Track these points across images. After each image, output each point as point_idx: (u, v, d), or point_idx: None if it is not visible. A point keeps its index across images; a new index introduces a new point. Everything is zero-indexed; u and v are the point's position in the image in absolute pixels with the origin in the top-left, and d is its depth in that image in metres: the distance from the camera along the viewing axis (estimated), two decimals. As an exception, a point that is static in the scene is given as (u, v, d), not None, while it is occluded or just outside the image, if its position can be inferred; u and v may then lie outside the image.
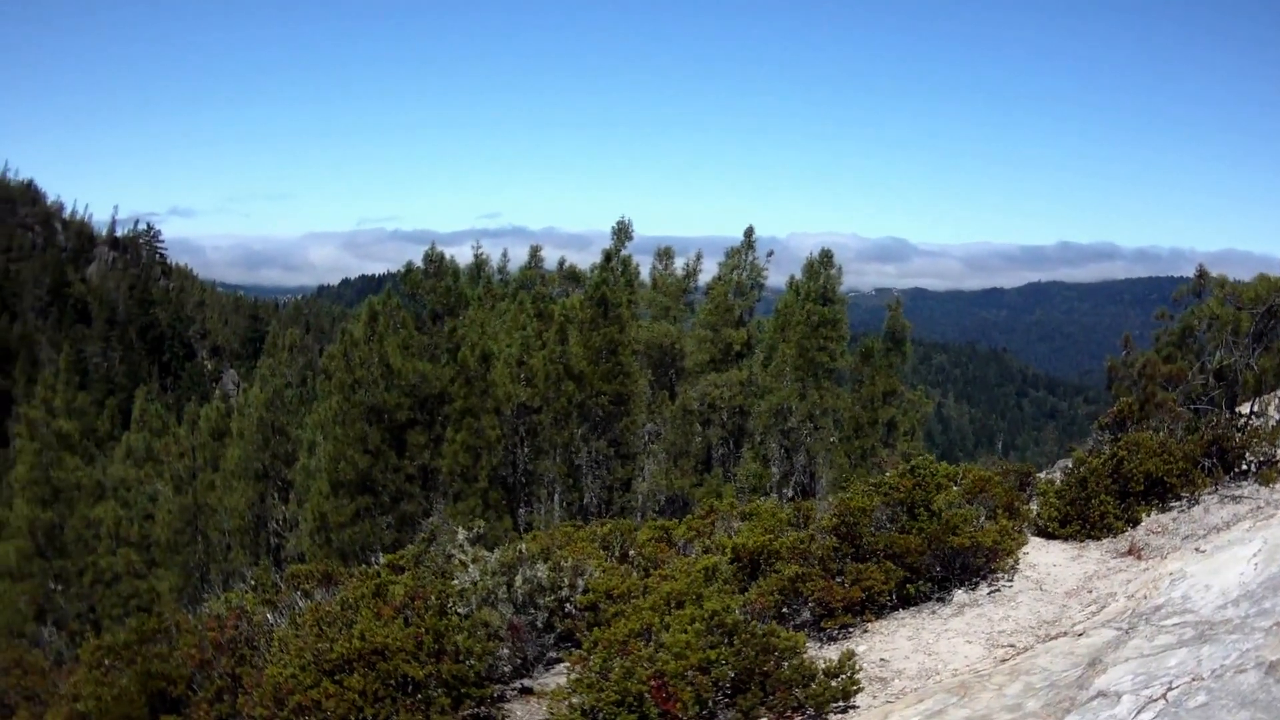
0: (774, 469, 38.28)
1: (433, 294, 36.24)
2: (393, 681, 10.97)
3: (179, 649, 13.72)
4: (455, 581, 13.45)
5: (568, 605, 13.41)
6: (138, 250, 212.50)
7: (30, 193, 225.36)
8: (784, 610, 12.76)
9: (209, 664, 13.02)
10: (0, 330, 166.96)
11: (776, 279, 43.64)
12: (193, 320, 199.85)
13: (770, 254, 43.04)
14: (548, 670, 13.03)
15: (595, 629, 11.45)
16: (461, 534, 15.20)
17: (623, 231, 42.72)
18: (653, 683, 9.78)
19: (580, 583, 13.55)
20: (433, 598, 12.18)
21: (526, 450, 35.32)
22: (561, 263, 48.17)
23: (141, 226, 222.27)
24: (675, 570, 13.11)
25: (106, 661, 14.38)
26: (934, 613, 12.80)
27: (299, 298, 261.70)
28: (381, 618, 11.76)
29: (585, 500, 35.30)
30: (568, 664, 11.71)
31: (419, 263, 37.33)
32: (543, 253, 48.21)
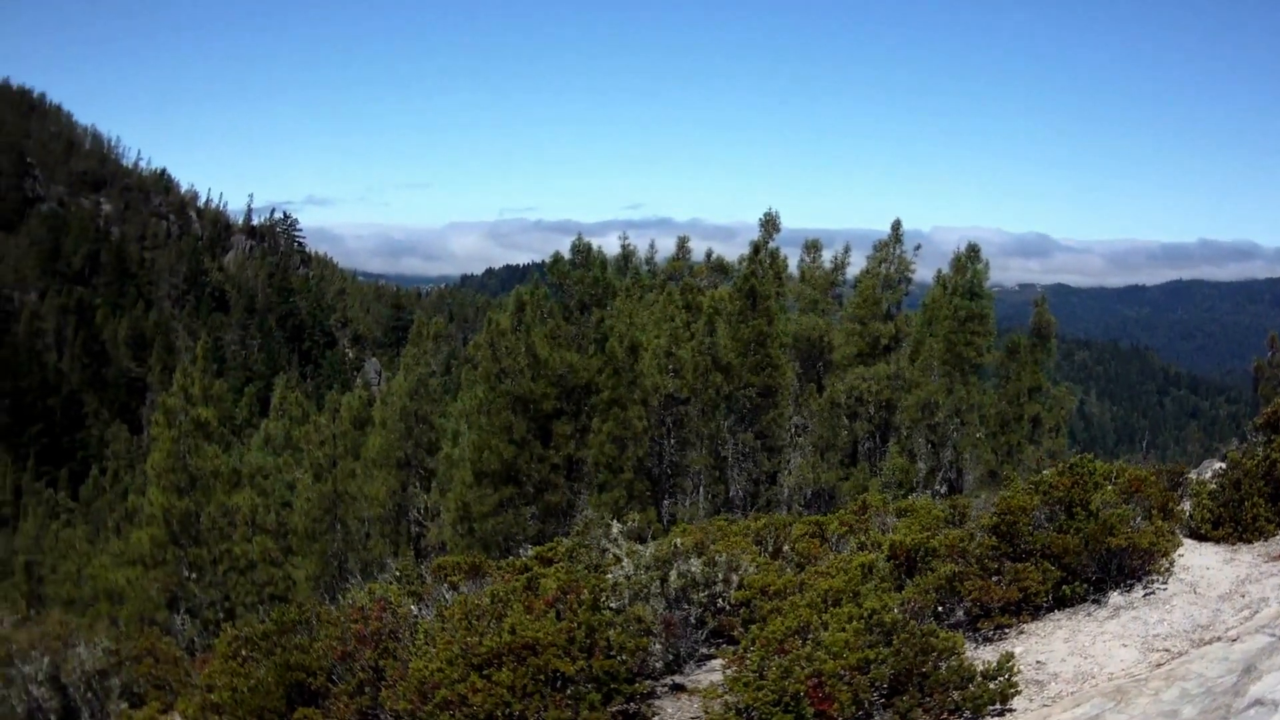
0: (920, 464, 38.12)
1: (580, 284, 36.36)
2: (542, 677, 10.93)
3: (320, 640, 13.74)
4: (609, 575, 13.38)
5: (721, 601, 13.34)
6: (275, 239, 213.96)
7: (163, 181, 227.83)
8: (940, 610, 12.64)
9: (351, 656, 13.03)
10: (135, 318, 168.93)
11: (923, 273, 43.50)
12: (333, 309, 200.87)
13: (918, 247, 42.85)
14: (699, 667, 12.96)
15: (752, 626, 11.36)
16: (615, 527, 15.37)
17: (770, 223, 42.82)
18: (810, 682, 9.67)
19: (734, 578, 13.43)
20: (586, 592, 12.13)
21: (673, 442, 35.41)
22: (709, 254, 48.23)
23: (278, 215, 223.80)
24: (831, 567, 12.97)
25: (244, 652, 14.42)
26: (1089, 614, 12.54)
27: (442, 287, 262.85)
28: (533, 612, 11.75)
29: (731, 493, 35.25)
30: (721, 661, 11.76)
31: (564, 253, 37.52)
32: (689, 244, 48.36)
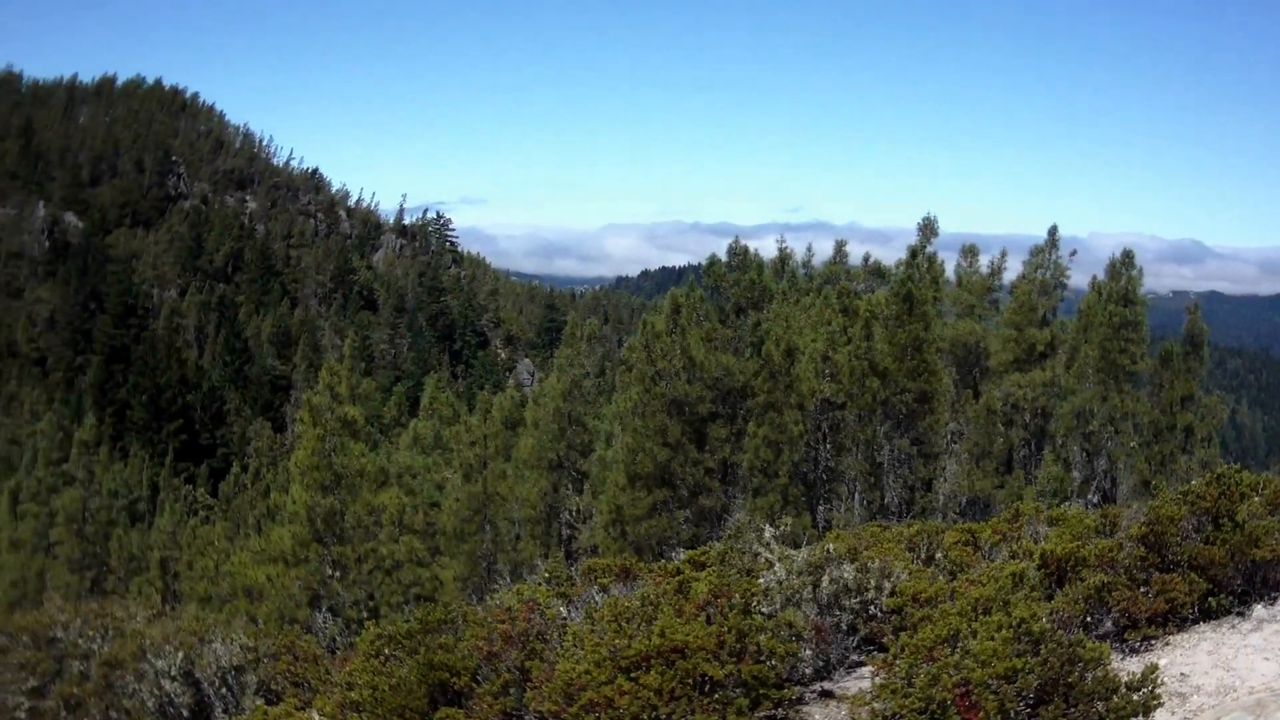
0: (1075, 473, 37.99)
1: (736, 287, 36.59)
2: (690, 680, 10.82)
3: (465, 640, 13.75)
4: (760, 580, 13.46)
5: (872, 608, 13.39)
6: (427, 238, 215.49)
7: (314, 180, 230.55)
8: (1088, 620, 12.62)
9: (496, 656, 13.03)
10: (280, 315, 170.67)
11: (1078, 279, 43.33)
12: (485, 309, 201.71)
13: (1073, 253, 42.86)
14: (849, 674, 12.98)
15: (902, 634, 11.21)
16: (769, 531, 15.28)
17: (928, 228, 43.02)
18: (957, 690, 9.64)
19: (887, 585, 13.51)
20: (738, 596, 12.07)
21: (828, 447, 35.40)
22: (866, 258, 48.42)
23: (431, 214, 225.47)
24: (983, 575, 13.04)
25: (386, 650, 14.40)
26: (1233, 627, 12.57)
27: (597, 288, 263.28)
28: (683, 615, 11.76)
29: (886, 499, 35.27)
30: (870, 668, 11.45)
31: (720, 255, 37.81)
32: (847, 248, 48.59)
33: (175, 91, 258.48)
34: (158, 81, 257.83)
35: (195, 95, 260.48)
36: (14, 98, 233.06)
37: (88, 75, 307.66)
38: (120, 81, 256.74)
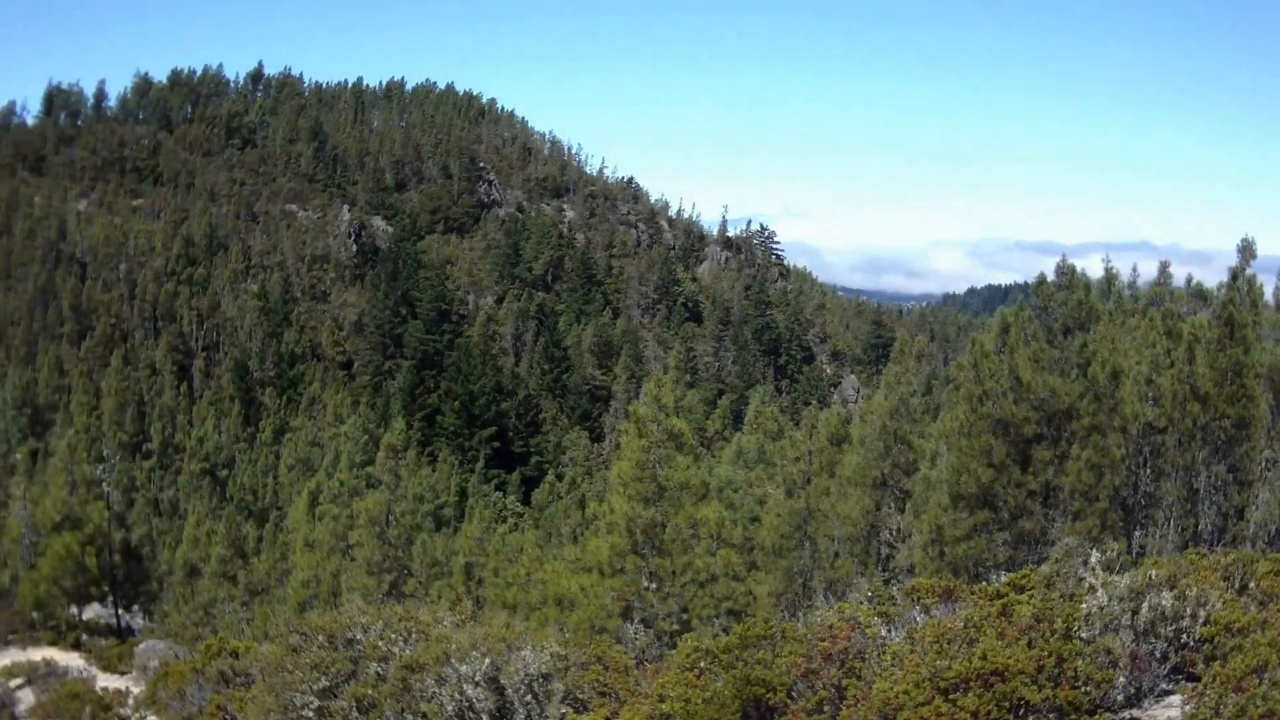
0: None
1: (1063, 307, 36.84)
2: (1007, 704, 11.50)
3: (783, 656, 14.21)
4: (1082, 605, 13.81)
5: (1185, 636, 13.61)
6: (752, 251, 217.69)
7: (631, 190, 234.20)
8: None
9: (814, 674, 13.52)
10: (601, 325, 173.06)
11: None
12: (812, 323, 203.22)
13: (1404, 274, 42.56)
14: (1158, 702, 13.21)
15: (1213, 663, 11.96)
16: (1094, 556, 15.91)
17: (1248, 250, 43.13)
18: None
19: (1201, 614, 13.64)
20: (1059, 621, 12.74)
21: (1148, 471, 35.45)
22: (1189, 280, 48.61)
23: (755, 227, 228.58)
24: None
25: (702, 664, 15.05)
26: None
27: (923, 305, 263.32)
28: (1004, 638, 12.39)
29: (1200, 527, 35.17)
30: (1180, 697, 12.36)
31: (1046, 273, 38.51)
32: (1170, 269, 48.82)
33: (471, 97, 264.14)
34: (450, 86, 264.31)
35: (493, 101, 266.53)
36: (298, 101, 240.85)
37: (336, 76, 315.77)
38: (410, 86, 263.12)
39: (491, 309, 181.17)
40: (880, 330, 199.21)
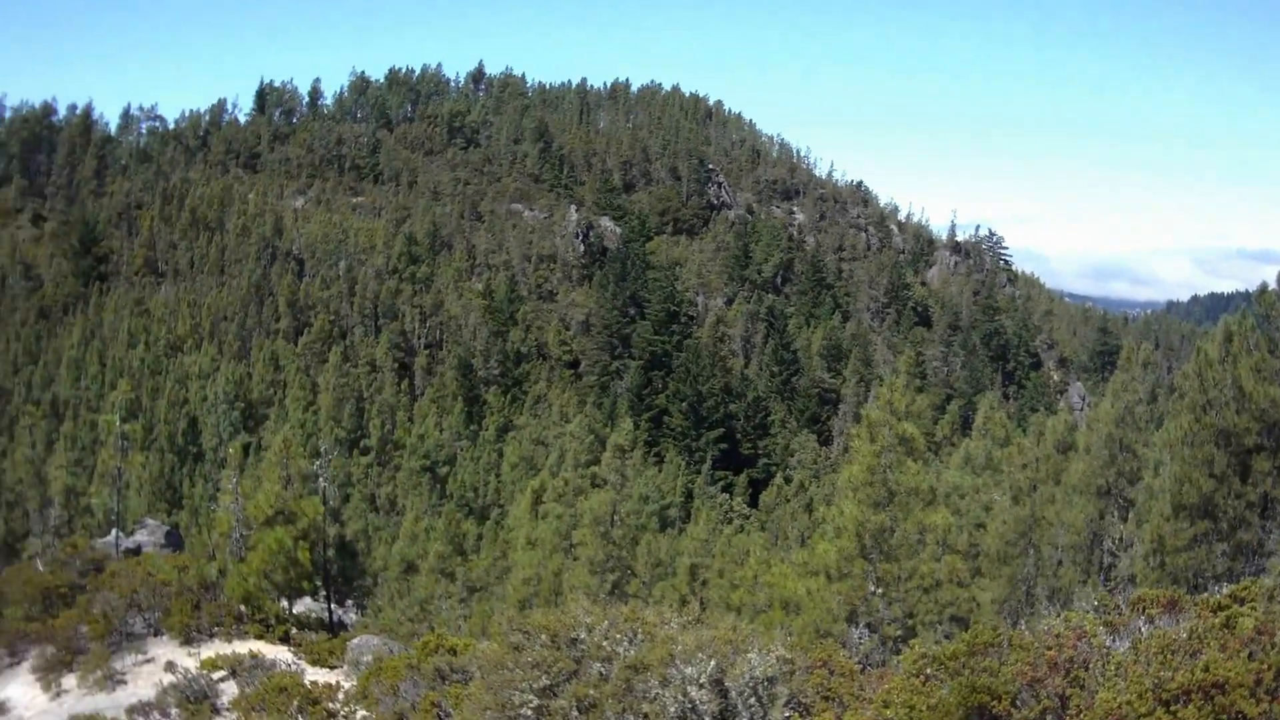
0: None
1: None
2: (1225, 716, 11.62)
3: (1009, 664, 14.42)
4: None
5: None
6: (980, 256, 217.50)
7: (860, 194, 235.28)
8: None
9: (1040, 682, 13.63)
10: (831, 329, 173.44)
11: None
12: (1039, 330, 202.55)
13: None
14: None
15: None
16: None
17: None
18: None
19: None
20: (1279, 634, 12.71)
21: None
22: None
23: (983, 232, 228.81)
24: None
25: (929, 670, 15.41)
26: None
27: (1148, 312, 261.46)
28: (1226, 650, 12.49)
29: None
30: None
31: (1268, 282, 38.22)
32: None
33: (697, 99, 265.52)
34: (675, 88, 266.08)
35: (719, 103, 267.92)
36: (521, 101, 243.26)
37: (559, 77, 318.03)
38: (635, 87, 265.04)
39: (721, 310, 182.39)
40: (1106, 337, 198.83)
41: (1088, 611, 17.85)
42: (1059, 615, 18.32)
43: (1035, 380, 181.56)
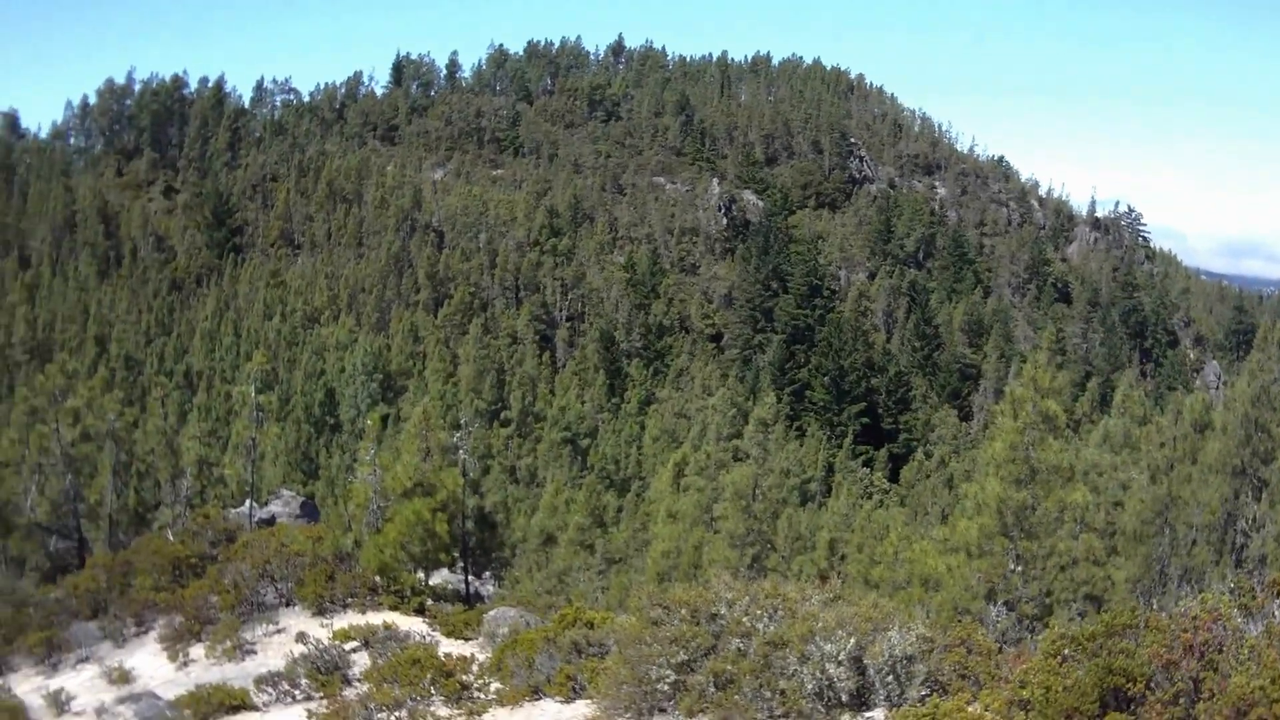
0: None
1: None
2: None
3: (1145, 646, 14.33)
4: None
5: None
6: (1119, 232, 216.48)
7: (1001, 169, 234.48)
8: None
9: (1175, 665, 13.62)
10: (972, 304, 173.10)
11: None
12: (1176, 307, 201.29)
13: None
14: None
15: None
16: None
17: None
18: None
19: None
20: None
21: None
22: None
23: (1122, 208, 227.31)
24: None
25: (1066, 651, 15.13)
26: None
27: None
28: None
29: None
30: None
31: None
32: None
33: (839, 72, 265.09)
34: (817, 61, 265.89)
35: (861, 76, 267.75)
36: (662, 74, 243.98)
37: (699, 50, 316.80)
38: (776, 60, 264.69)
39: (863, 285, 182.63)
40: (1242, 316, 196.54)
41: (1223, 593, 17.45)
42: (1192, 596, 19.02)
43: (1172, 358, 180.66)
